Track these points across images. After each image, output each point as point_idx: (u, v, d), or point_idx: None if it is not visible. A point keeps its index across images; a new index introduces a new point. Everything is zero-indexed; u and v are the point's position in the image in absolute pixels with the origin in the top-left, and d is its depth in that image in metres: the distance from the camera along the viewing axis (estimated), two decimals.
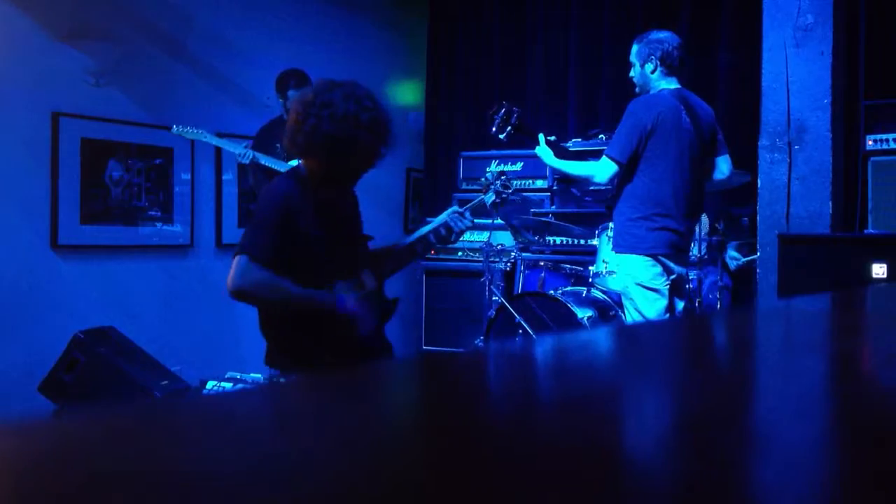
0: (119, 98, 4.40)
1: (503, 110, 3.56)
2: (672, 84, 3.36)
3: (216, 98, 4.84)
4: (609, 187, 3.40)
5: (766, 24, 3.85)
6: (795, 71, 3.76)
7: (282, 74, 4.25)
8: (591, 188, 4.40)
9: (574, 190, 4.83)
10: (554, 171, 3.68)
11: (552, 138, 3.60)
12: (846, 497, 0.30)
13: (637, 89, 3.43)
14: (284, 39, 5.11)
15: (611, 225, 3.95)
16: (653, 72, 3.34)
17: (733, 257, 4.37)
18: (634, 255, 3.28)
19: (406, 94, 6.21)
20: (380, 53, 5.86)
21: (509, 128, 3.55)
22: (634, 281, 3.29)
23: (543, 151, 3.48)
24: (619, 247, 3.34)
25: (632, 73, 3.43)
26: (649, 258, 3.27)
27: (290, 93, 4.13)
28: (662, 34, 3.38)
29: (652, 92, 3.36)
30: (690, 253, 3.66)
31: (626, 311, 3.40)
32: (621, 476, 0.32)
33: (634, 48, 3.40)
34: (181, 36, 4.71)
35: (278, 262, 2.19)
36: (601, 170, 3.31)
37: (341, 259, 2.38)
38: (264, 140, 4.26)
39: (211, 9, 4.83)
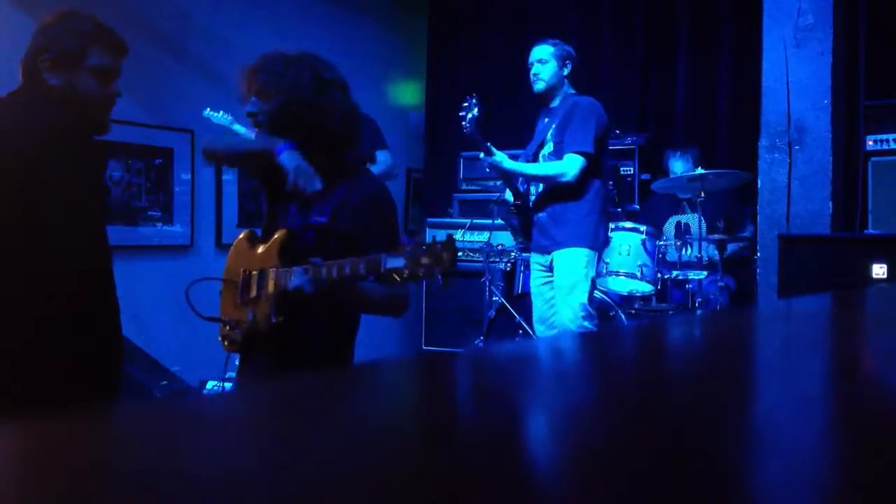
0: (119, 98, 4.39)
1: (473, 100, 3.41)
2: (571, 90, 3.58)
3: (216, 98, 4.84)
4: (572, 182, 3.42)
5: (766, 24, 3.85)
6: (795, 71, 3.76)
7: None
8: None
9: None
10: (510, 173, 3.53)
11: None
12: (846, 497, 0.30)
13: (543, 87, 3.54)
14: (284, 39, 5.06)
15: None
16: (566, 76, 3.55)
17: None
18: (593, 251, 3.44)
19: (406, 94, 6.21)
20: (380, 53, 5.86)
21: (466, 122, 3.40)
22: (591, 275, 3.44)
23: (501, 157, 3.48)
24: (583, 241, 3.41)
25: (540, 70, 3.52)
26: (596, 252, 3.49)
27: None
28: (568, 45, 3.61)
29: (565, 94, 3.55)
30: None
31: (568, 306, 3.40)
32: (619, 476, 0.32)
33: (549, 49, 3.52)
34: (181, 36, 4.71)
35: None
36: (570, 165, 3.39)
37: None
38: None
39: (211, 8, 4.83)
